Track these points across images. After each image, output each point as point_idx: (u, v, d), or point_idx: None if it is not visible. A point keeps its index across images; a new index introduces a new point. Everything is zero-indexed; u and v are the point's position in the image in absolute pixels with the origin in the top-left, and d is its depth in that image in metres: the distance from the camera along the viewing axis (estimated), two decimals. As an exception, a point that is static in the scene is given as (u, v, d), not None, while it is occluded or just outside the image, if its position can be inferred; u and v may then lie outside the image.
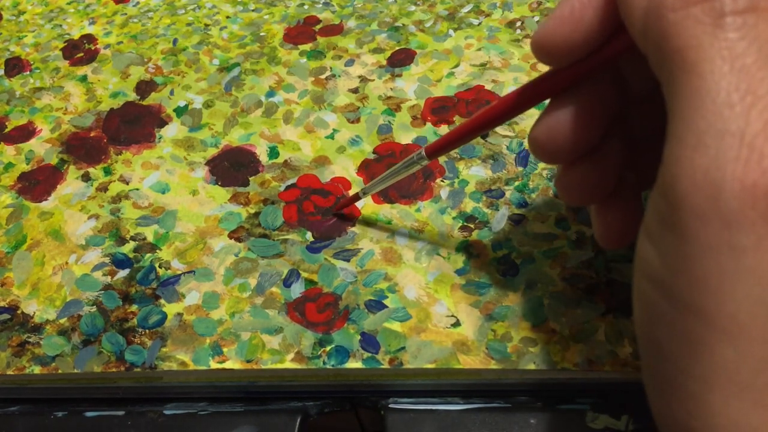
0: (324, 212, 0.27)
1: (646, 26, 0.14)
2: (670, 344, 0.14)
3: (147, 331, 0.24)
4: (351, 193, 0.28)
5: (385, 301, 0.24)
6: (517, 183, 0.27)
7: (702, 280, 0.13)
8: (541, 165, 0.28)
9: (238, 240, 0.27)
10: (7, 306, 0.26)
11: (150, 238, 0.27)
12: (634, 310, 0.16)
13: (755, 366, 0.13)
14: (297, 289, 0.25)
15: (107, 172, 0.30)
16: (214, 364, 0.23)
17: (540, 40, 0.17)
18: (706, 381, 0.13)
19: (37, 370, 0.24)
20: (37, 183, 0.30)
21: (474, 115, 0.21)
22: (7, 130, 0.33)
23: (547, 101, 0.19)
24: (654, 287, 0.14)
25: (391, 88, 0.32)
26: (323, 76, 0.33)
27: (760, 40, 0.13)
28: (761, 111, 0.13)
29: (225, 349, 0.23)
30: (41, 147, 0.32)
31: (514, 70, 0.32)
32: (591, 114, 0.18)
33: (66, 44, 0.38)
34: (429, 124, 0.30)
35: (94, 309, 0.25)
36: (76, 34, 0.38)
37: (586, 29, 0.17)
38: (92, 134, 0.32)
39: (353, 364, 0.23)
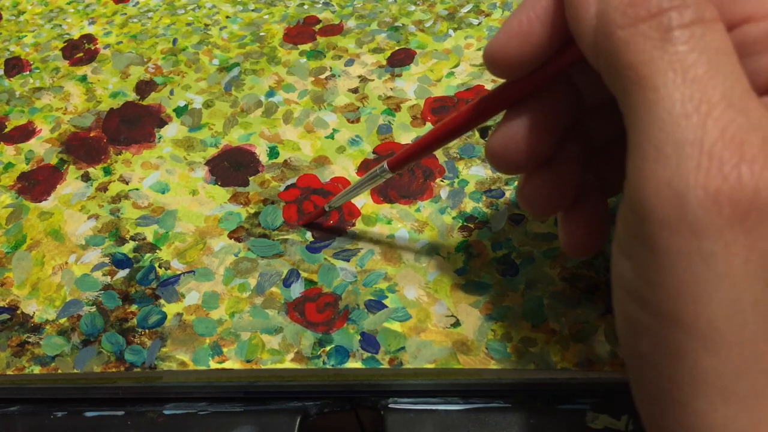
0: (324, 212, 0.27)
1: (596, 44, 0.15)
2: (653, 355, 0.14)
3: (147, 331, 0.24)
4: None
5: (385, 301, 0.24)
6: (516, 183, 0.27)
7: (677, 290, 0.13)
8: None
9: (238, 240, 0.27)
10: (6, 306, 0.26)
11: (150, 238, 0.27)
12: (616, 323, 0.16)
13: (736, 370, 0.13)
14: (297, 289, 0.25)
15: (107, 172, 0.30)
16: (213, 364, 0.23)
17: (491, 54, 0.17)
18: (691, 389, 0.13)
19: (36, 370, 0.24)
20: (36, 183, 0.30)
21: (432, 129, 0.21)
22: (6, 130, 0.33)
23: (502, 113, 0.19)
24: (632, 300, 0.14)
25: (391, 88, 0.32)
26: (323, 76, 0.33)
27: (709, 51, 0.13)
28: (717, 118, 0.13)
29: (225, 349, 0.23)
30: (41, 147, 0.32)
31: (514, 69, 0.32)
32: (545, 124, 0.18)
33: (66, 44, 0.38)
34: (429, 124, 0.30)
35: (93, 309, 0.25)
36: (75, 34, 0.38)
37: (535, 43, 0.17)
38: (92, 134, 0.32)
39: (353, 364, 0.23)
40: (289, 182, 0.29)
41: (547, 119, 0.18)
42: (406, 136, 0.30)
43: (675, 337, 0.13)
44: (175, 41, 0.37)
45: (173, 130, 0.32)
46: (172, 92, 0.33)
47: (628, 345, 0.15)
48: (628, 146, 0.14)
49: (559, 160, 0.19)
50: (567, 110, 0.19)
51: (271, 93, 0.33)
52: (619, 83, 0.14)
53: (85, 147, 0.31)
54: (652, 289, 0.14)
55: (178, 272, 0.26)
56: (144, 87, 0.34)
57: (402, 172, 0.27)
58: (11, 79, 0.36)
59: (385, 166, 0.23)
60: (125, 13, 0.39)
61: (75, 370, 0.24)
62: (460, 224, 0.26)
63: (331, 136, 0.30)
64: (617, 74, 0.14)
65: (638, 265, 0.14)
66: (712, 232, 0.13)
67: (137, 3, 0.40)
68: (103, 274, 0.26)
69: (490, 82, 0.32)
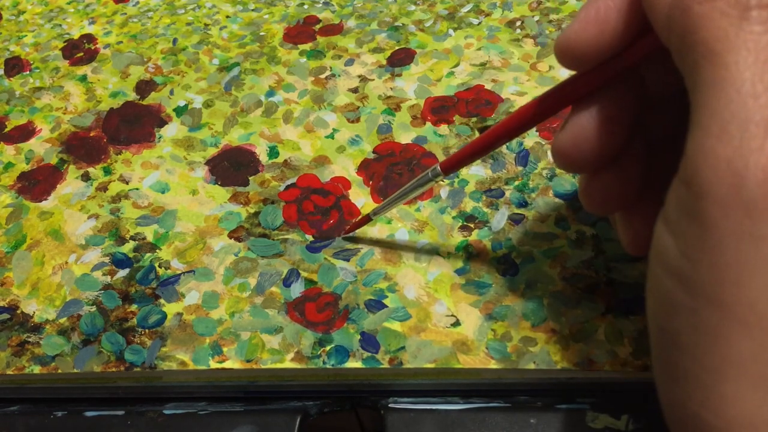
0: (324, 212, 0.27)
1: (671, 19, 0.15)
2: (685, 335, 0.14)
3: (147, 330, 0.24)
4: (351, 191, 0.28)
5: (385, 301, 0.24)
6: (517, 182, 0.27)
7: (721, 270, 0.13)
8: (541, 165, 0.28)
9: (238, 240, 0.27)
10: (6, 306, 0.26)
11: (150, 238, 0.27)
12: (647, 301, 0.16)
13: None
14: (297, 289, 0.25)
15: (107, 171, 0.30)
16: (213, 364, 0.23)
17: (565, 44, 0.17)
18: (721, 372, 0.13)
19: (36, 369, 0.24)
20: (36, 183, 0.30)
21: (491, 128, 0.20)
22: (6, 129, 0.33)
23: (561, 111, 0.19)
24: (671, 277, 0.14)
25: (391, 88, 0.32)
26: (323, 76, 0.33)
27: None
28: None
29: (225, 349, 0.23)
30: (41, 147, 0.32)
31: (514, 69, 0.32)
32: (615, 119, 0.18)
33: (66, 44, 0.38)
34: (429, 124, 0.30)
35: (93, 309, 0.25)
36: (75, 34, 0.38)
37: (611, 31, 0.17)
38: (92, 134, 0.32)
39: (353, 363, 0.23)
40: (289, 182, 0.29)
41: (617, 114, 0.18)
42: (406, 135, 0.30)
43: (711, 318, 0.13)
44: (175, 41, 0.37)
45: (173, 129, 0.32)
46: (172, 92, 0.33)
47: (658, 323, 0.15)
48: (690, 123, 0.14)
49: (624, 158, 0.19)
50: (636, 104, 0.18)
51: (271, 93, 0.33)
52: (689, 59, 0.14)
53: (85, 147, 0.31)
54: (695, 267, 0.14)
55: (178, 272, 0.26)
56: (144, 87, 0.34)
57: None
58: (11, 78, 0.36)
59: (438, 169, 0.22)
60: (125, 13, 0.39)
61: (75, 370, 0.24)
62: (460, 224, 0.26)
63: (331, 136, 0.30)
64: (689, 50, 0.14)
65: (683, 242, 0.14)
66: (766, 214, 0.13)
67: (137, 3, 0.40)
68: (103, 274, 0.26)
69: (489, 81, 0.32)
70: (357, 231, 0.26)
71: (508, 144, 0.29)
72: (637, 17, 0.16)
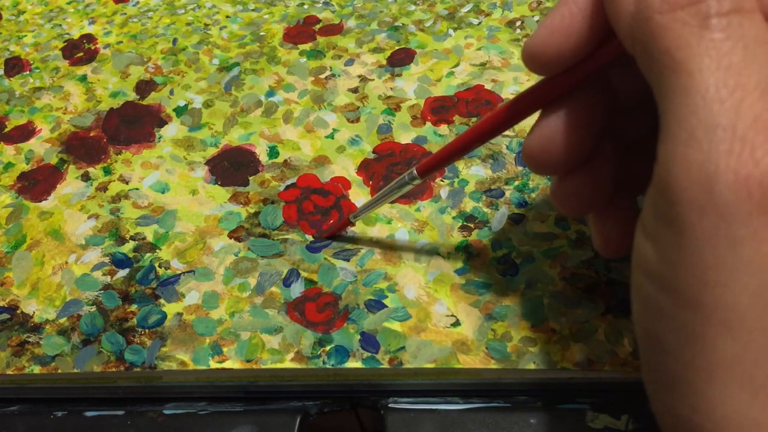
0: (324, 212, 0.27)
1: (634, 29, 0.15)
2: (670, 339, 0.14)
3: (147, 330, 0.24)
4: (351, 191, 0.28)
5: (385, 301, 0.24)
6: (516, 182, 0.27)
7: (700, 273, 0.13)
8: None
9: (238, 240, 0.27)
10: (6, 306, 0.26)
11: (150, 238, 0.27)
12: (633, 307, 0.16)
13: (755, 358, 0.13)
14: (297, 289, 0.25)
15: (107, 171, 0.30)
16: (213, 364, 0.23)
17: (532, 50, 0.17)
18: (707, 374, 0.13)
19: (36, 369, 0.24)
20: (36, 183, 0.30)
21: (465, 132, 0.20)
22: (6, 129, 0.33)
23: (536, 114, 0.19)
24: (652, 283, 0.14)
25: (391, 88, 0.32)
26: (323, 76, 0.33)
27: (745, 40, 0.13)
28: (751, 105, 0.13)
29: (225, 349, 0.23)
30: (41, 147, 0.32)
31: (514, 69, 0.32)
32: (583, 123, 0.18)
33: (66, 44, 0.38)
34: (429, 124, 0.30)
35: (93, 309, 0.25)
36: (75, 34, 0.38)
37: (576, 37, 0.17)
38: (92, 134, 0.32)
39: (353, 363, 0.23)
40: (289, 182, 0.29)
41: (585, 118, 0.18)
42: (406, 135, 0.30)
43: (694, 321, 0.13)
44: (175, 41, 0.37)
45: (173, 129, 0.32)
46: (172, 92, 0.33)
47: (644, 329, 0.15)
48: (660, 131, 0.14)
49: (594, 161, 0.19)
50: (604, 108, 0.19)
51: (271, 93, 0.33)
52: (654, 68, 0.14)
53: (85, 147, 0.31)
54: (675, 272, 0.14)
55: (178, 272, 0.26)
56: (144, 87, 0.34)
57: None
58: (11, 78, 0.36)
59: (414, 172, 0.22)
60: (125, 13, 0.39)
61: (75, 370, 0.24)
62: (460, 224, 0.26)
63: (331, 136, 0.30)
64: (653, 59, 0.14)
65: (662, 248, 0.14)
66: (740, 216, 0.13)
67: (137, 3, 0.40)
68: (103, 274, 0.26)
69: (489, 81, 0.32)
70: (353, 229, 0.26)
71: (508, 144, 0.29)
72: (601, 23, 0.16)
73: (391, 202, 0.27)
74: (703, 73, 0.13)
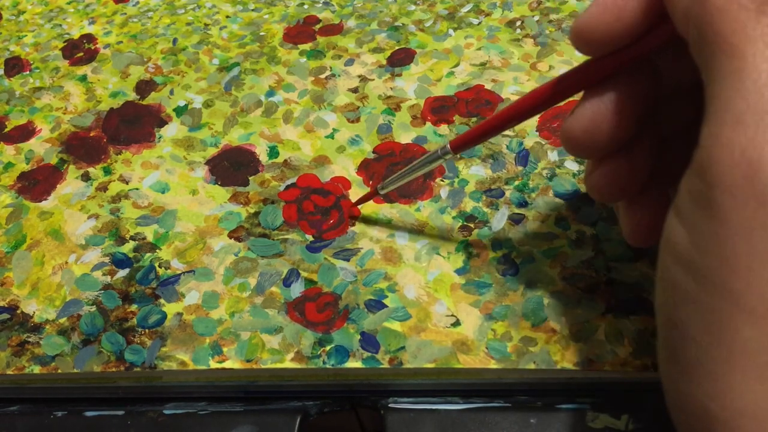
0: (324, 212, 0.27)
1: (690, 11, 0.15)
2: (694, 325, 0.14)
3: (147, 330, 0.24)
4: (351, 191, 0.28)
5: (385, 301, 0.24)
6: (517, 182, 0.27)
7: (732, 260, 0.13)
8: (541, 164, 0.28)
9: (238, 240, 0.27)
10: (6, 306, 0.26)
11: (150, 238, 0.27)
12: (657, 291, 0.16)
13: None
14: (297, 289, 0.25)
15: (107, 171, 0.30)
16: (213, 364, 0.23)
17: (582, 28, 0.17)
18: (728, 362, 0.13)
19: (36, 369, 0.24)
20: (36, 183, 0.30)
21: (503, 109, 0.20)
22: (6, 129, 0.33)
23: (577, 95, 0.19)
24: (681, 267, 0.14)
25: (391, 88, 0.32)
26: (323, 76, 0.33)
27: None
28: None
29: (225, 349, 0.23)
30: (41, 147, 0.32)
31: (514, 69, 0.32)
32: (627, 107, 0.18)
33: (66, 44, 0.38)
34: (429, 124, 0.30)
35: (93, 309, 0.25)
36: (75, 34, 0.38)
37: (628, 17, 0.17)
38: (92, 134, 0.32)
39: (353, 363, 0.23)
40: (289, 182, 0.29)
41: (629, 102, 0.18)
42: (406, 135, 0.30)
43: (721, 307, 0.13)
44: (175, 41, 0.37)
45: (173, 129, 0.32)
46: (172, 92, 0.33)
47: (666, 313, 0.15)
48: (704, 114, 0.14)
49: (633, 147, 0.19)
50: (648, 94, 0.18)
51: (271, 93, 0.33)
52: (706, 51, 0.14)
53: (85, 147, 0.31)
54: (706, 257, 0.14)
55: (178, 272, 0.26)
56: (144, 87, 0.34)
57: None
58: (11, 78, 0.36)
59: (448, 147, 0.22)
60: (125, 13, 0.39)
61: (75, 370, 0.24)
62: (460, 224, 0.26)
63: (331, 136, 0.30)
64: (706, 42, 0.14)
65: (694, 232, 0.14)
66: None
67: (137, 3, 0.40)
68: (103, 274, 0.26)
69: (489, 81, 0.32)
70: (353, 229, 0.26)
71: (508, 144, 0.29)
72: (655, 5, 0.16)
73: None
74: (756, 57, 0.13)
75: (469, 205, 0.27)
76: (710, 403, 0.14)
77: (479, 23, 0.35)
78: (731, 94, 0.13)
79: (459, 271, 0.25)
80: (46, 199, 0.29)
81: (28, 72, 0.36)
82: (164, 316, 0.25)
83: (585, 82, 0.18)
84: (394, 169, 0.28)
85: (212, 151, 0.30)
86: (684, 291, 0.14)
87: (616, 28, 0.17)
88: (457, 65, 0.33)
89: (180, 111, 0.32)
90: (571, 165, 0.28)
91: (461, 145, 0.22)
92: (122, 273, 0.26)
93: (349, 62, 0.34)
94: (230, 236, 0.27)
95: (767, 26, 0.13)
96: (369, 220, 0.27)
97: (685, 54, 0.15)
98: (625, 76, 0.18)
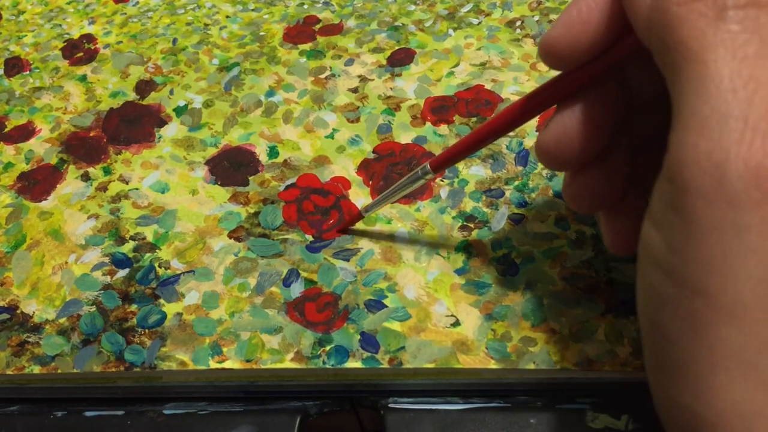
0: (324, 212, 0.27)
1: (651, 20, 0.15)
2: (675, 328, 0.14)
3: (146, 330, 0.24)
4: (351, 191, 0.28)
5: (385, 301, 0.24)
6: (516, 182, 0.27)
7: (707, 261, 0.13)
8: (541, 164, 0.28)
9: (238, 240, 0.27)
10: (6, 306, 0.26)
11: (149, 238, 0.27)
12: (638, 296, 0.16)
13: (759, 347, 0.13)
14: (297, 289, 0.25)
15: (107, 171, 0.30)
16: (213, 364, 0.23)
17: (548, 44, 0.17)
18: (710, 363, 0.13)
19: (36, 369, 0.24)
20: (36, 183, 0.30)
21: (479, 127, 0.20)
22: (6, 129, 0.33)
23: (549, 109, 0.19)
24: (659, 271, 0.14)
25: (391, 88, 0.32)
26: (323, 76, 0.33)
27: (761, 33, 0.14)
28: (764, 96, 0.13)
29: (224, 349, 0.23)
30: (41, 147, 0.32)
31: (514, 69, 0.32)
32: (599, 119, 0.18)
33: (66, 44, 0.38)
34: (429, 124, 0.30)
35: (93, 309, 0.25)
36: (75, 34, 0.38)
37: (593, 31, 0.17)
38: (92, 134, 0.32)
39: (353, 363, 0.23)
40: (289, 182, 0.29)
41: (601, 114, 0.18)
42: (405, 135, 0.30)
43: (699, 309, 0.13)
44: (175, 41, 0.37)
45: (173, 129, 0.32)
46: (172, 92, 0.33)
47: (649, 317, 0.15)
48: (672, 120, 0.14)
49: (608, 158, 0.19)
50: (619, 105, 0.19)
51: (271, 93, 0.33)
52: (669, 59, 0.14)
53: (85, 147, 0.31)
54: (681, 260, 0.14)
55: (178, 272, 0.26)
56: (144, 87, 0.34)
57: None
58: (11, 78, 0.36)
59: (428, 167, 0.22)
60: (125, 13, 0.39)
61: (75, 370, 0.24)
62: (460, 224, 0.26)
63: (331, 136, 0.30)
64: (669, 50, 0.14)
65: (669, 236, 0.14)
66: (749, 205, 0.13)
67: (137, 3, 0.40)
68: (103, 274, 0.26)
69: (489, 81, 0.32)
70: (353, 228, 0.26)
71: (508, 144, 0.29)
72: (619, 18, 0.17)
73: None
74: (717, 63, 0.13)
75: (468, 205, 0.27)
76: (695, 404, 0.14)
77: (479, 23, 0.35)
78: (695, 99, 0.14)
79: (459, 271, 0.25)
80: (46, 199, 0.29)
81: (28, 72, 0.36)
82: (164, 316, 0.25)
83: (556, 96, 0.19)
84: (393, 170, 0.28)
85: (212, 151, 0.30)
86: (663, 294, 0.14)
87: (582, 43, 0.17)
88: (457, 65, 0.33)
89: (180, 111, 0.32)
90: (571, 165, 0.28)
91: (440, 165, 0.22)
92: (122, 273, 0.26)
93: (349, 62, 0.34)
94: (230, 236, 0.27)
95: (726, 32, 0.14)
96: (369, 221, 0.27)
97: (651, 64, 0.16)
98: (594, 89, 0.18)
